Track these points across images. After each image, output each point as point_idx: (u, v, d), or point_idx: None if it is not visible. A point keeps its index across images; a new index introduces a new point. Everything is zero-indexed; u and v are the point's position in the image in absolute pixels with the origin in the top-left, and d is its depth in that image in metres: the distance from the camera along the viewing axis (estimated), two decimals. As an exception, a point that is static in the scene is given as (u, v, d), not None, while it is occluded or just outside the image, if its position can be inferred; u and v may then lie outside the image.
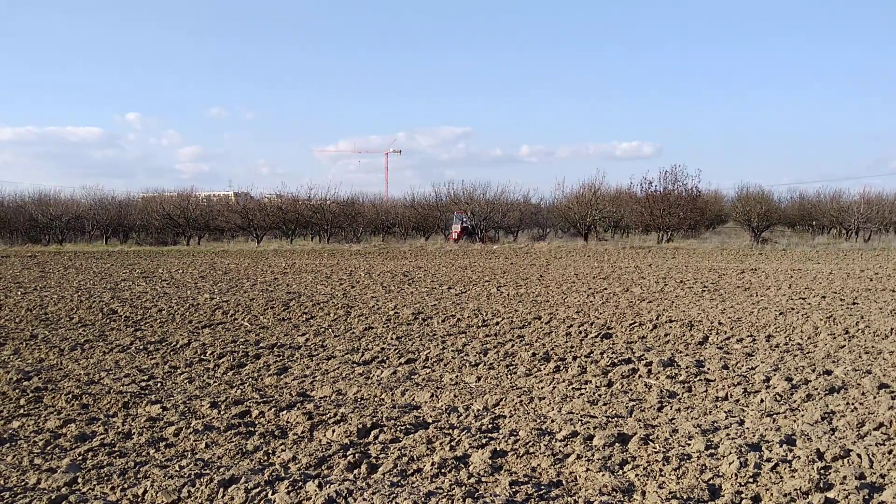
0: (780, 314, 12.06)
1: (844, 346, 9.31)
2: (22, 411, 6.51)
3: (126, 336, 10.41)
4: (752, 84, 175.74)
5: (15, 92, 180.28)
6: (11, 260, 28.25)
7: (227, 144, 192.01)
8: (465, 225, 44.06)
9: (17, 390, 7.13)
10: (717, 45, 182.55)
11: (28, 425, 6.09)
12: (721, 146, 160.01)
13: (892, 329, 10.35)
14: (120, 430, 5.96)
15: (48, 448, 5.53)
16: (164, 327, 11.33)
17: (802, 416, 6.20)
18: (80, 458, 5.27)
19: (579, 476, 4.85)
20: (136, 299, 14.64)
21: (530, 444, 5.40)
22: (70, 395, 6.91)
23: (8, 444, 5.62)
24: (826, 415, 6.19)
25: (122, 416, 6.36)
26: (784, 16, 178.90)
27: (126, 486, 4.72)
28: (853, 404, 6.48)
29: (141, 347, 9.53)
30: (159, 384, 7.60)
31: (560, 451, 5.27)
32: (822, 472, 4.80)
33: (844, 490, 4.50)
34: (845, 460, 5.02)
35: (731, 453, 5.09)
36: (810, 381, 7.33)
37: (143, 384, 7.56)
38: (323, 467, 5.08)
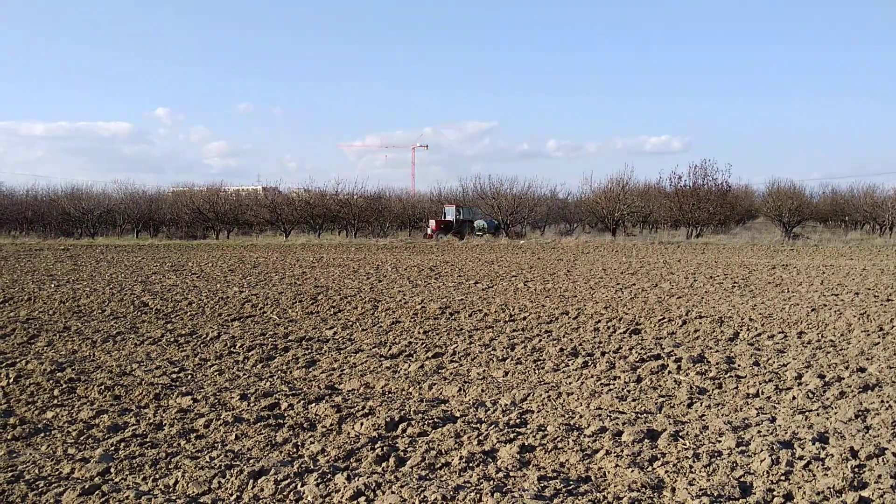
0: (813, 310, 11.89)
1: (879, 343, 9.15)
2: (56, 402, 6.62)
3: (157, 328, 10.53)
4: (783, 78, 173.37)
5: (47, 87, 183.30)
6: (45, 253, 28.72)
7: (255, 139, 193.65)
8: (447, 220, 42.96)
9: (51, 381, 7.25)
10: (747, 40, 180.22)
11: (62, 415, 6.18)
12: (751, 141, 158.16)
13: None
14: (151, 421, 6.04)
15: (81, 438, 5.62)
16: (194, 320, 11.44)
17: (836, 413, 6.11)
18: (113, 448, 5.35)
19: (608, 472, 4.82)
20: (167, 292, 14.80)
21: (558, 439, 5.38)
22: (103, 387, 7.01)
23: (42, 434, 5.72)
24: (860, 412, 6.09)
25: (153, 407, 6.43)
26: (815, 11, 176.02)
27: (157, 476, 4.77)
28: (888, 402, 6.37)
29: (172, 340, 9.64)
30: (190, 376, 7.68)
31: (589, 446, 5.25)
32: (856, 470, 4.72)
33: (879, 489, 4.43)
34: (880, 459, 4.94)
35: (762, 451, 5.02)
36: (843, 379, 7.22)
37: (174, 376, 7.64)
38: (351, 460, 5.10)
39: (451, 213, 43.66)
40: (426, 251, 30.36)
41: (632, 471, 4.75)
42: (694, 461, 4.92)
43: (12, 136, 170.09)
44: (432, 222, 43.22)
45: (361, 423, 5.84)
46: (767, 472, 4.72)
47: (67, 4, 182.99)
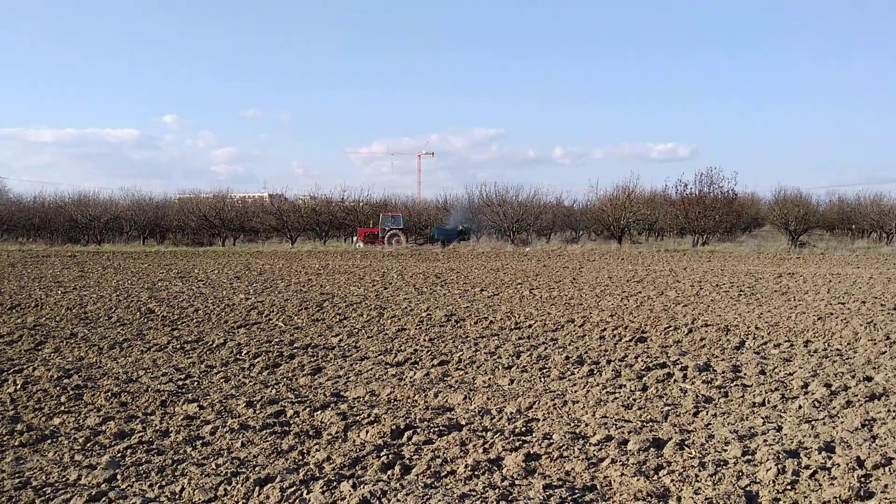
0: (819, 319, 11.85)
1: (885, 352, 9.12)
2: (63, 408, 6.64)
3: (163, 335, 10.56)
4: (790, 85, 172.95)
5: (54, 94, 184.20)
6: (52, 260, 28.83)
7: (261, 146, 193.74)
8: (371, 229, 41.51)
9: (57, 388, 7.27)
10: (754, 47, 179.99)
11: (68, 422, 6.21)
12: (758, 148, 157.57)
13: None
14: (158, 427, 6.05)
15: (88, 445, 5.63)
16: (200, 327, 11.47)
17: (842, 422, 6.09)
18: (119, 455, 5.36)
19: (614, 480, 4.82)
20: (173, 299, 14.84)
21: (564, 447, 5.37)
22: (109, 393, 7.03)
23: (49, 441, 5.74)
24: (866, 422, 6.07)
25: (159, 414, 6.45)
26: (823, 19, 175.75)
27: (164, 483, 4.79)
28: (895, 411, 6.35)
29: (178, 347, 9.67)
30: (196, 383, 7.70)
31: (594, 455, 5.24)
32: (862, 479, 4.71)
33: (886, 499, 4.42)
34: (887, 468, 4.92)
35: (768, 460, 5.02)
36: (850, 388, 7.20)
37: (180, 383, 7.66)
38: (357, 468, 5.10)
39: (391, 222, 42.04)
40: (432, 258, 30.37)
41: (637, 479, 4.75)
42: (700, 470, 4.91)
43: (20, 143, 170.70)
44: (358, 231, 42.37)
45: (367, 431, 5.85)
46: (773, 482, 4.70)
47: (75, 12, 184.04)
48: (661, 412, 6.46)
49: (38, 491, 4.64)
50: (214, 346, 9.74)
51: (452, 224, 44.81)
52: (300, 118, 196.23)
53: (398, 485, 4.69)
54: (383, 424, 5.95)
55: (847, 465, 4.94)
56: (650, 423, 6.10)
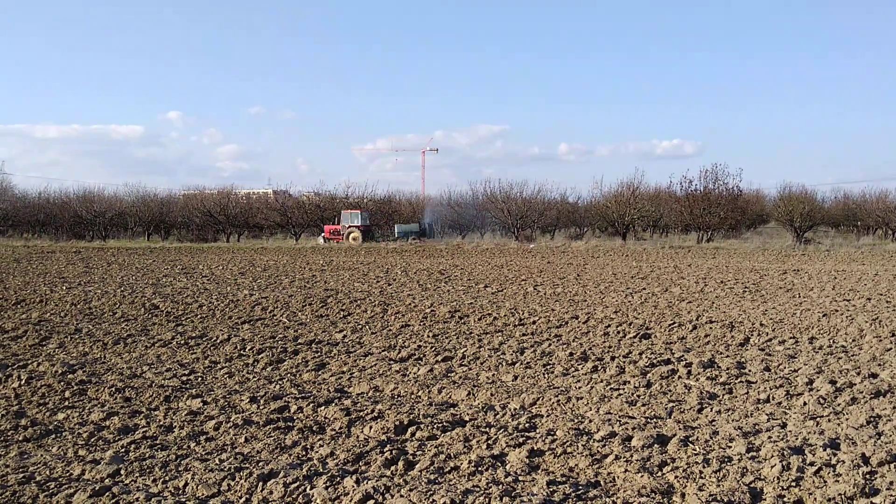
0: (824, 316, 11.82)
1: (891, 348, 9.09)
2: (67, 403, 6.65)
3: (167, 331, 10.57)
4: (796, 82, 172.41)
5: (60, 90, 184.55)
6: (57, 255, 28.90)
7: (266, 143, 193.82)
8: (337, 226, 41.32)
9: (62, 383, 7.28)
10: (759, 44, 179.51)
11: (73, 417, 6.22)
12: (764, 145, 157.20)
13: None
14: (162, 423, 6.06)
15: (92, 440, 5.64)
16: (204, 323, 11.48)
17: (847, 419, 6.07)
18: (123, 450, 5.37)
19: (618, 477, 4.81)
20: (178, 295, 14.86)
21: (568, 443, 5.36)
22: (113, 389, 7.04)
23: (53, 436, 5.75)
24: (872, 419, 6.05)
25: (163, 409, 6.46)
26: (828, 17, 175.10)
27: (167, 478, 4.79)
28: (900, 409, 6.32)
29: (182, 342, 9.67)
30: (200, 379, 7.71)
31: (598, 451, 5.23)
32: (867, 476, 4.69)
33: (891, 495, 4.40)
34: (892, 465, 4.90)
35: (773, 456, 5.00)
36: (855, 385, 7.17)
37: (184, 378, 7.67)
38: (360, 463, 5.10)
39: (355, 219, 41.62)
40: (436, 255, 30.37)
41: (641, 476, 4.74)
42: (704, 466, 4.90)
43: (25, 139, 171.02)
44: (326, 228, 42.11)
45: (370, 427, 5.85)
46: (778, 478, 4.69)
47: (81, 9, 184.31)
48: (666, 409, 6.44)
49: (42, 485, 4.65)
50: (218, 341, 9.74)
51: (427, 221, 45.07)
52: (305, 115, 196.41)
53: (401, 480, 4.69)
54: (387, 420, 5.95)
55: (852, 461, 4.93)
56: (654, 420, 6.09)
